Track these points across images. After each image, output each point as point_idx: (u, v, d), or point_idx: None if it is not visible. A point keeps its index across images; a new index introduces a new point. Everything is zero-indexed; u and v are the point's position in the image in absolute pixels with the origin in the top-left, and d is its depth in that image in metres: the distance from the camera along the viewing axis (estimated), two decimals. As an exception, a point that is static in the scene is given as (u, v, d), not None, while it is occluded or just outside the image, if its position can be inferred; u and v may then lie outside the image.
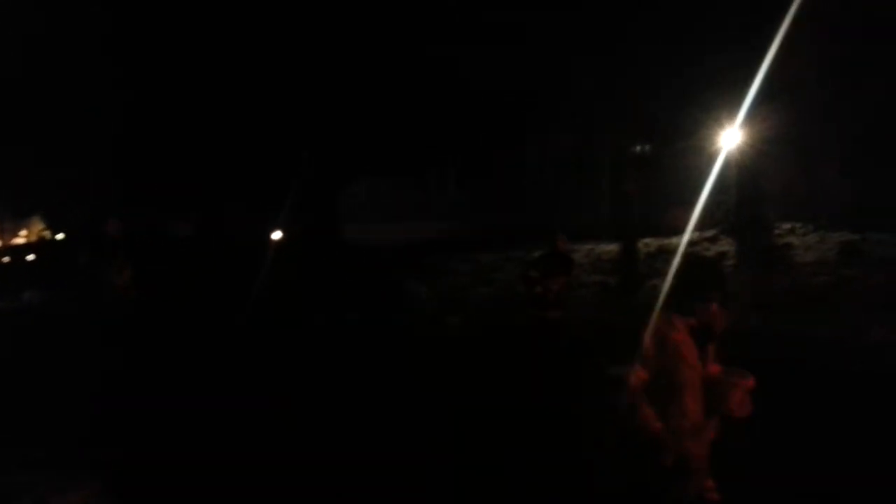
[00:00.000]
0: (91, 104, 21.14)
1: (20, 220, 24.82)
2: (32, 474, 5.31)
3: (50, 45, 20.27)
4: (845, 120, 14.90)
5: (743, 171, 13.61)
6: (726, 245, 14.70)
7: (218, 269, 18.24)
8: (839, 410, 6.06)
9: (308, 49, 20.09)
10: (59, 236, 25.65)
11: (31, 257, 22.92)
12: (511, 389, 7.50)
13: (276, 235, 22.04)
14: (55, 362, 9.81)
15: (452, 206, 21.32)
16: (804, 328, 9.37)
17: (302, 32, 19.38)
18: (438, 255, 17.24)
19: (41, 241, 25.10)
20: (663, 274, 12.96)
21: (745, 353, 3.94)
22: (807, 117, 14.04)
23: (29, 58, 20.09)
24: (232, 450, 6.03)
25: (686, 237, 13.87)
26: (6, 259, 22.14)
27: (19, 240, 24.64)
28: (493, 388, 7.67)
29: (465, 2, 16.48)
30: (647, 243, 15.46)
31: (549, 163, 20.48)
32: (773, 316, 10.06)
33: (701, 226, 15.66)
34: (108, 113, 21.31)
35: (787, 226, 15.07)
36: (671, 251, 14.85)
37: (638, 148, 16.51)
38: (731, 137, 13.07)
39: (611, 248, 15.26)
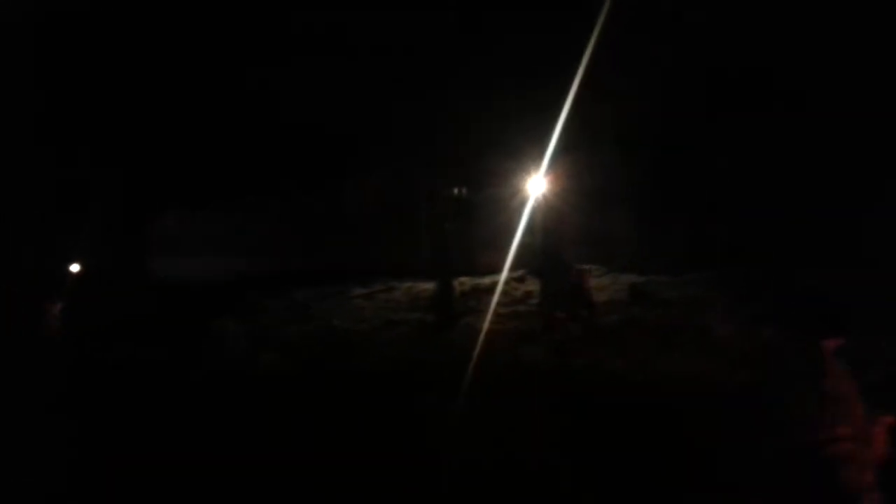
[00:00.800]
0: None
1: None
2: None
3: None
4: (639, 169, 16.65)
5: (547, 216, 14.68)
6: (532, 285, 15.68)
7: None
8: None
9: (122, 69, 18.83)
10: None
11: None
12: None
13: (74, 268, 20.17)
14: None
15: (268, 241, 20.80)
16: (598, 361, 10.23)
17: (120, 49, 18.14)
18: (252, 292, 16.73)
19: None
20: (477, 311, 13.65)
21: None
22: (604, 169, 15.57)
23: None
24: None
25: (500, 277, 14.64)
26: None
27: None
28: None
29: (284, 36, 16.42)
30: (463, 282, 16.11)
31: (369, 201, 20.72)
32: (573, 351, 10.89)
33: (512, 267, 16.56)
34: None
35: (584, 267, 16.40)
36: (484, 290, 15.60)
37: (455, 191, 17.27)
38: (536, 184, 14.11)
39: (429, 286, 15.73)
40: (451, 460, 6.46)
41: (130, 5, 17.28)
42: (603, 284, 15.45)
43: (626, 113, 15.17)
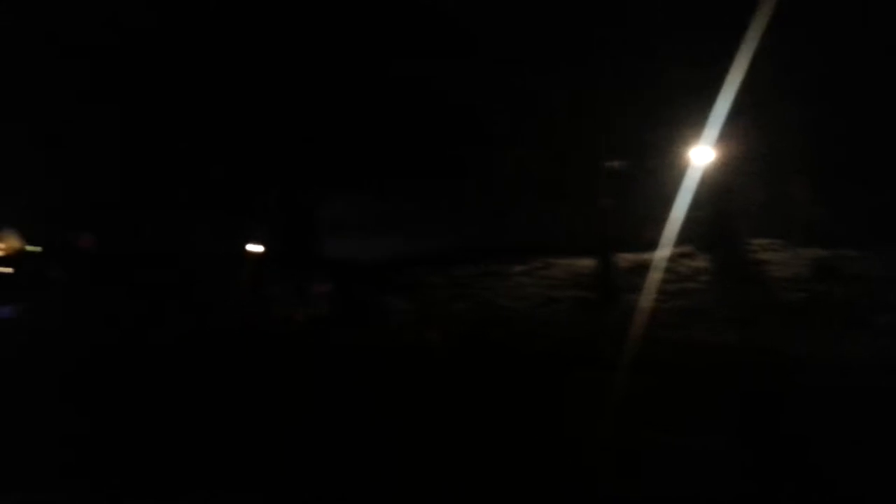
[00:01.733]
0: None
1: (-5, 232, 24.47)
2: None
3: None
4: (817, 136, 15.22)
5: (715, 187, 13.82)
6: (701, 261, 14.87)
7: (198, 283, 18.12)
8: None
9: (284, 62, 20.09)
10: (35, 249, 25.30)
11: (4, 270, 22.51)
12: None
13: (253, 248, 21.92)
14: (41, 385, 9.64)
15: (428, 221, 21.35)
16: (781, 343, 9.54)
17: (279, 46, 19.37)
18: (414, 270, 17.28)
19: (16, 254, 24.66)
20: (641, 288, 13.15)
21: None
22: (778, 133, 14.33)
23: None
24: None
25: (664, 252, 14.04)
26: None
27: (-7, 252, 24.21)
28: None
29: (433, 19, 16.61)
30: (624, 258, 15.59)
31: (522, 179, 20.59)
32: (749, 331, 10.23)
33: (676, 242, 15.81)
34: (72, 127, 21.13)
35: (760, 241, 15.31)
36: (647, 266, 14.98)
37: (612, 164, 16.69)
38: (702, 153, 13.30)
39: (588, 262, 15.40)
40: (609, 440, 6.31)
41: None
42: (782, 259, 14.32)
43: (803, 67, 13.86)
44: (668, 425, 6.71)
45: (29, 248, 26.94)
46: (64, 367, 10.33)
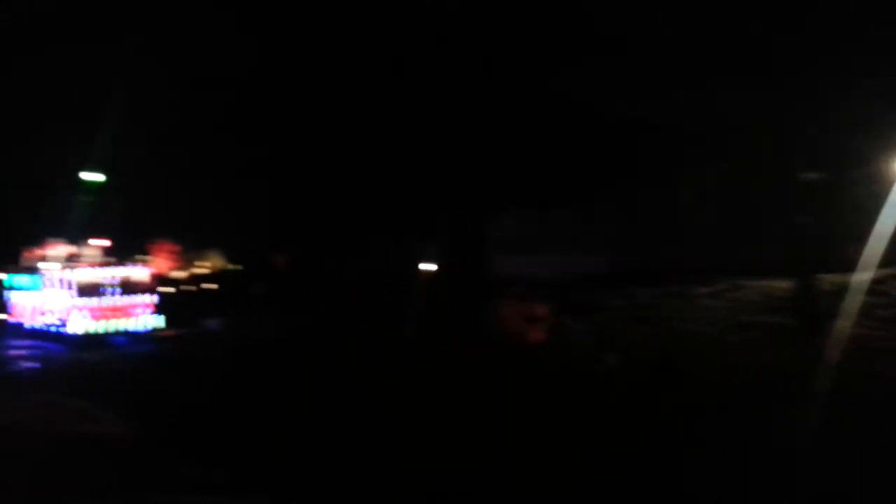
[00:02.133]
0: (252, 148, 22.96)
1: (202, 251, 27.27)
2: (214, 496, 5.71)
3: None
4: None
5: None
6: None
7: (375, 300, 19.04)
8: None
9: (455, 83, 20.68)
10: (236, 267, 27.85)
11: (211, 286, 24.98)
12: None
13: (426, 267, 22.59)
14: (247, 386, 10.62)
15: (605, 239, 20.86)
16: None
17: (450, 68, 20.00)
18: (592, 290, 16.88)
19: (220, 271, 27.33)
20: (848, 314, 11.84)
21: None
22: None
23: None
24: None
25: (873, 274, 12.69)
26: (190, 288, 24.23)
27: (201, 270, 26.97)
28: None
29: (620, 37, 16.30)
30: (827, 279, 14.26)
31: (708, 196, 19.59)
32: None
33: (882, 261, 14.25)
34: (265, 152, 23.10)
35: None
36: (854, 289, 13.59)
37: (810, 176, 15.39)
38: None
39: (784, 284, 14.24)
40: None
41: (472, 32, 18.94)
42: None
43: None
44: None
45: (230, 266, 29.83)
46: (271, 374, 11.34)
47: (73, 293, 17.12)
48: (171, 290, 21.02)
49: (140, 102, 20.57)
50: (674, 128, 16.36)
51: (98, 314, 17.04)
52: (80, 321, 16.83)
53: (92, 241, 18.56)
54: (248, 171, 23.14)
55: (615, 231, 20.86)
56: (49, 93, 20.95)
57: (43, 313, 18.28)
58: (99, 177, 20.54)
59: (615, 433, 7.73)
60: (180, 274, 24.35)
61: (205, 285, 24.70)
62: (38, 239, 19.02)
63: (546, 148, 20.19)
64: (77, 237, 18.62)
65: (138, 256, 19.28)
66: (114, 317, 17.23)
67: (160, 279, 19.76)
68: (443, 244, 22.75)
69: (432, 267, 22.69)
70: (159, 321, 17.91)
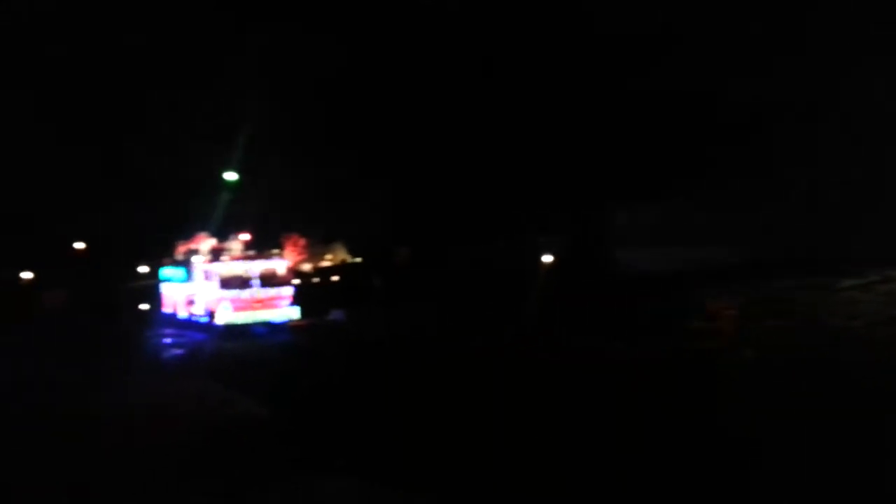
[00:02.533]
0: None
1: (327, 246, 28.29)
2: (335, 481, 5.85)
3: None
4: None
5: None
6: None
7: (495, 293, 18.94)
8: None
9: (581, 73, 20.39)
10: (358, 260, 28.73)
11: (335, 279, 25.89)
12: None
13: (547, 259, 22.22)
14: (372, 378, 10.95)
15: (735, 229, 19.69)
16: None
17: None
18: (721, 283, 16.01)
19: (343, 264, 28.28)
20: None
21: None
22: None
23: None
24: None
25: None
26: (316, 280, 25.19)
27: (325, 263, 28.01)
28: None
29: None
30: None
31: (846, 184, 18.11)
32: None
33: None
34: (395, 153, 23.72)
35: None
36: None
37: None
38: None
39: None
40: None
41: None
42: None
43: None
44: None
45: (352, 259, 30.81)
46: (391, 369, 11.63)
47: (217, 285, 17.86)
48: (300, 282, 21.72)
49: (272, 106, 21.78)
50: (813, 107, 15.28)
51: (241, 306, 17.68)
52: (225, 313, 17.57)
53: (235, 236, 19.28)
54: (372, 166, 23.87)
55: (747, 220, 19.70)
56: (191, 104, 22.67)
57: (191, 304, 19.23)
58: (234, 176, 21.80)
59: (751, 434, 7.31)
60: (307, 266, 25.30)
61: (329, 278, 25.64)
62: (189, 234, 20.10)
63: (672, 136, 19.50)
64: (222, 232, 19.48)
65: (273, 250, 19.82)
66: (256, 308, 17.80)
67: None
68: (563, 237, 22.38)
69: (553, 260, 22.30)
70: (296, 312, 18.37)
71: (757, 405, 8.29)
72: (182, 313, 19.82)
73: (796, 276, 15.02)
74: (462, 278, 21.85)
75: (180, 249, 20.37)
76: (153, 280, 22.56)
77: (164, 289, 21.27)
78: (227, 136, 21.33)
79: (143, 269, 26.57)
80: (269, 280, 18.28)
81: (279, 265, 18.85)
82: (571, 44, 19.56)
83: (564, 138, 21.08)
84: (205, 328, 17.97)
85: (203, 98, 22.76)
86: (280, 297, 18.32)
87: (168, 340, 17.50)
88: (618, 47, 18.90)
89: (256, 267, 18.33)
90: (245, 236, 19.40)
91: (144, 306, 22.53)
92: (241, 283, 17.92)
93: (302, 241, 19.14)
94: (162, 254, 21.76)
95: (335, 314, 19.71)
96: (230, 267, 18.16)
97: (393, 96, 22.84)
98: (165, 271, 21.25)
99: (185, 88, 23.76)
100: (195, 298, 19.03)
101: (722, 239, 19.53)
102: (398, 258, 27.03)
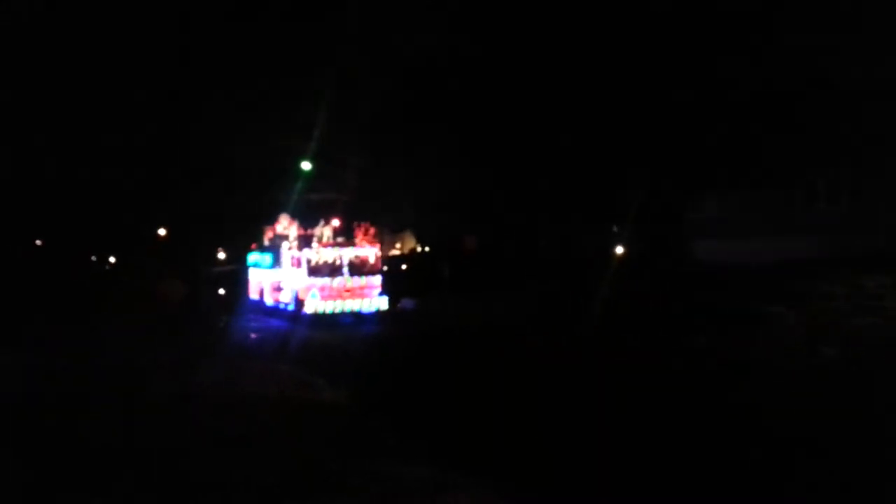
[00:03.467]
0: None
1: (396, 234, 28.55)
2: (414, 467, 5.98)
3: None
4: None
5: None
6: None
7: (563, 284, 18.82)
8: None
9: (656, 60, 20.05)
10: (426, 249, 28.90)
11: (404, 267, 26.11)
12: None
13: (619, 250, 21.86)
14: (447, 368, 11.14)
15: (819, 222, 18.82)
16: None
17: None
18: (806, 277, 15.38)
19: (412, 253, 28.54)
20: None
21: None
22: None
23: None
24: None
25: None
26: (385, 268, 25.54)
27: (395, 252, 28.26)
28: None
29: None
30: None
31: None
32: None
33: None
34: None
35: None
36: None
37: None
38: None
39: None
40: None
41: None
42: None
43: None
44: None
45: (420, 248, 30.98)
46: (462, 359, 11.83)
47: (306, 272, 17.33)
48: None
49: (351, 95, 22.18)
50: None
51: (329, 294, 17.10)
52: (313, 301, 17.04)
53: (325, 222, 18.56)
54: (445, 156, 23.99)
55: (835, 212, 18.82)
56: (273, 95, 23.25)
57: (278, 291, 18.80)
58: (308, 165, 22.06)
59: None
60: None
61: (399, 267, 25.84)
62: (274, 219, 19.66)
63: (760, 121, 18.94)
64: (307, 218, 18.87)
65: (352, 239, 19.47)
66: (345, 297, 17.21)
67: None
68: (638, 227, 21.96)
69: (625, 251, 21.92)
70: (384, 303, 17.71)
71: (830, 406, 8.09)
72: (269, 300, 19.51)
73: (890, 272, 14.23)
74: (531, 267, 21.74)
75: (268, 235, 19.97)
76: (234, 266, 22.86)
77: (251, 274, 20.77)
78: (307, 124, 21.67)
79: (221, 255, 27.41)
80: (358, 268, 17.69)
81: (370, 252, 18.15)
82: (661, 29, 19.18)
83: (644, 120, 20.74)
84: (291, 316, 17.65)
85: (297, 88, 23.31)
86: (370, 287, 17.71)
87: (256, 326, 17.36)
88: (717, 29, 18.44)
89: (346, 254, 17.71)
90: (335, 222, 18.79)
91: (222, 291, 22.98)
92: (331, 270, 17.38)
93: (373, 230, 18.88)
94: (245, 241, 21.64)
95: (405, 303, 19.68)
96: (320, 254, 17.56)
97: (482, 81, 23.13)
98: (252, 256, 20.81)
99: (270, 78, 24.46)
100: (282, 285, 18.63)
101: (816, 231, 18.71)
102: (465, 246, 26.96)
